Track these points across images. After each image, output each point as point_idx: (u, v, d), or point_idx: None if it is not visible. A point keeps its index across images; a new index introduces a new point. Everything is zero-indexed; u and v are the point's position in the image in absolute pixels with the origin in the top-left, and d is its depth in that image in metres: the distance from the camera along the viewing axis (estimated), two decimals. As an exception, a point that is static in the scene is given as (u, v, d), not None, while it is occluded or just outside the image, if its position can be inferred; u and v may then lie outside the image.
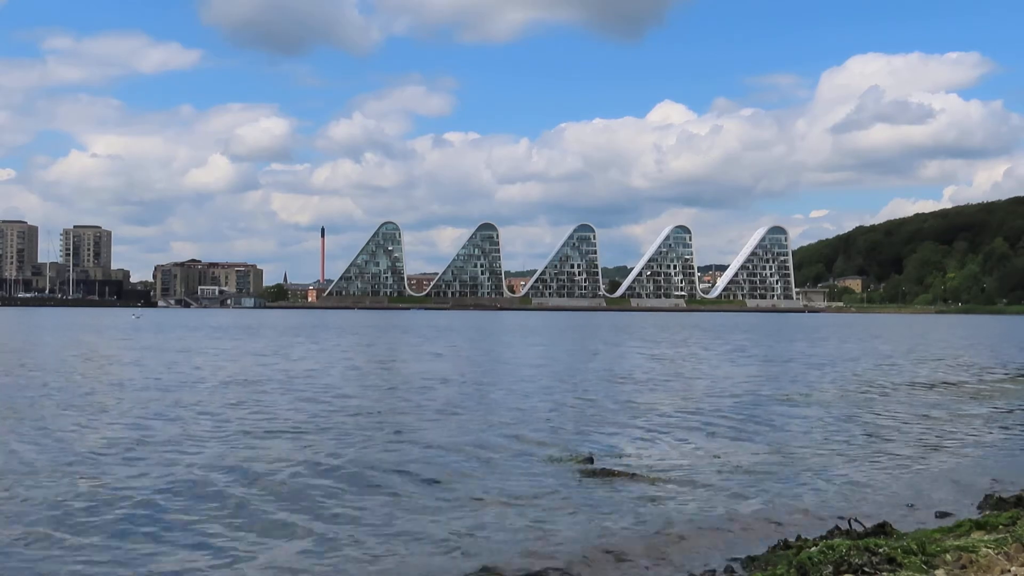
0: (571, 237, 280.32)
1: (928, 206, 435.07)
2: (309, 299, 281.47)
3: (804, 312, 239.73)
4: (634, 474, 11.90)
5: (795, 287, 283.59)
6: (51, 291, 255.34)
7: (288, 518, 9.50)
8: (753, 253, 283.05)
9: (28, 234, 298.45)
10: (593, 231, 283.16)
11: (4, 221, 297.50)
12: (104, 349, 41.44)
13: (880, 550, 7.11)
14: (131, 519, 9.28)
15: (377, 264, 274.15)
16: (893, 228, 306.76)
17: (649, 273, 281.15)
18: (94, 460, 12.43)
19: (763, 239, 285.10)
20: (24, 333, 59.92)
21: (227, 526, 9.14)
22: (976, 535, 8.01)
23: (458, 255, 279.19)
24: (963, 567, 6.89)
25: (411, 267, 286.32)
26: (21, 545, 8.37)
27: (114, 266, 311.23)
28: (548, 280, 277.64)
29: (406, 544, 8.71)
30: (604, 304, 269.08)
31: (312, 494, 10.56)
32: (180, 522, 9.24)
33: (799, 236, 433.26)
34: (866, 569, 6.82)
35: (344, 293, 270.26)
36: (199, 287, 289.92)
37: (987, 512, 9.79)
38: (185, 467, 11.89)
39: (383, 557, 8.34)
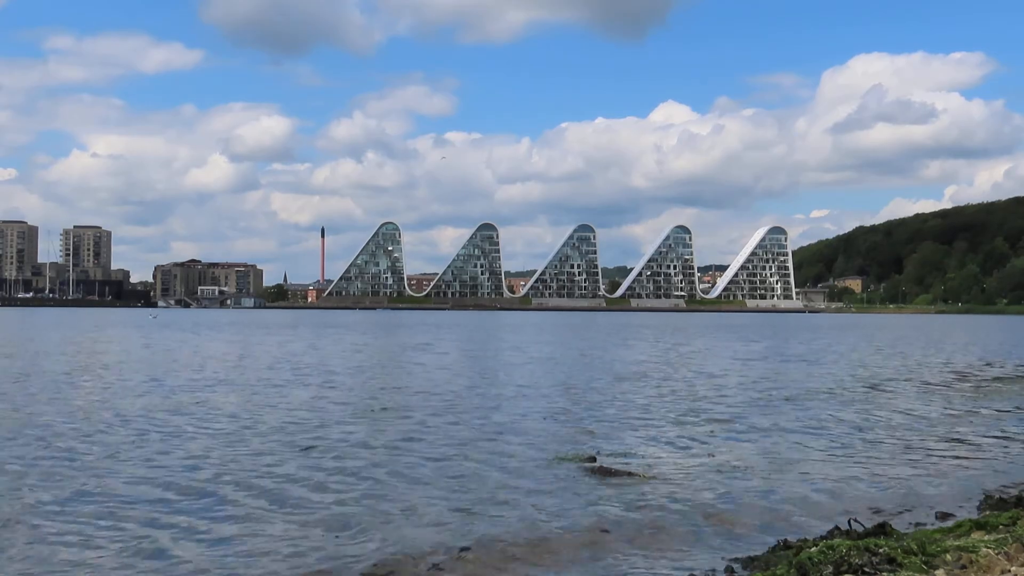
0: (571, 237, 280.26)
1: (929, 206, 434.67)
2: (309, 299, 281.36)
3: (804, 312, 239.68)
4: (634, 473, 11.92)
5: (795, 287, 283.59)
6: (51, 291, 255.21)
7: (293, 495, 9.61)
8: (753, 253, 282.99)
9: (28, 234, 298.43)
10: (593, 231, 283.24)
11: (4, 221, 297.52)
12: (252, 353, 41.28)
13: (880, 550, 7.11)
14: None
15: (377, 264, 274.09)
16: (893, 228, 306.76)
17: (649, 273, 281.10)
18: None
19: (763, 239, 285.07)
20: (107, 337, 59.82)
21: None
22: (976, 535, 8.01)
23: (458, 255, 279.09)
24: (963, 567, 6.89)
25: (411, 267, 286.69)
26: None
27: (114, 266, 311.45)
28: (548, 280, 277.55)
29: (401, 530, 8.74)
30: (604, 304, 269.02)
31: (316, 489, 10.64)
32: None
33: (799, 236, 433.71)
34: (866, 569, 6.83)
35: (344, 293, 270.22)
36: (199, 287, 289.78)
37: (987, 512, 9.79)
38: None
39: (380, 540, 8.38)
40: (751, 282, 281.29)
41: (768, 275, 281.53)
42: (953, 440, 15.63)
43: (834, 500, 10.77)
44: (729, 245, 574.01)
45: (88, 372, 27.88)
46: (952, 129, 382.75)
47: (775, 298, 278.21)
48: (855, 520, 8.89)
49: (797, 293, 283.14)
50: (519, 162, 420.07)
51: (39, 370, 28.24)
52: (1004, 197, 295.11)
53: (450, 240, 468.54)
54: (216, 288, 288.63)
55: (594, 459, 12.87)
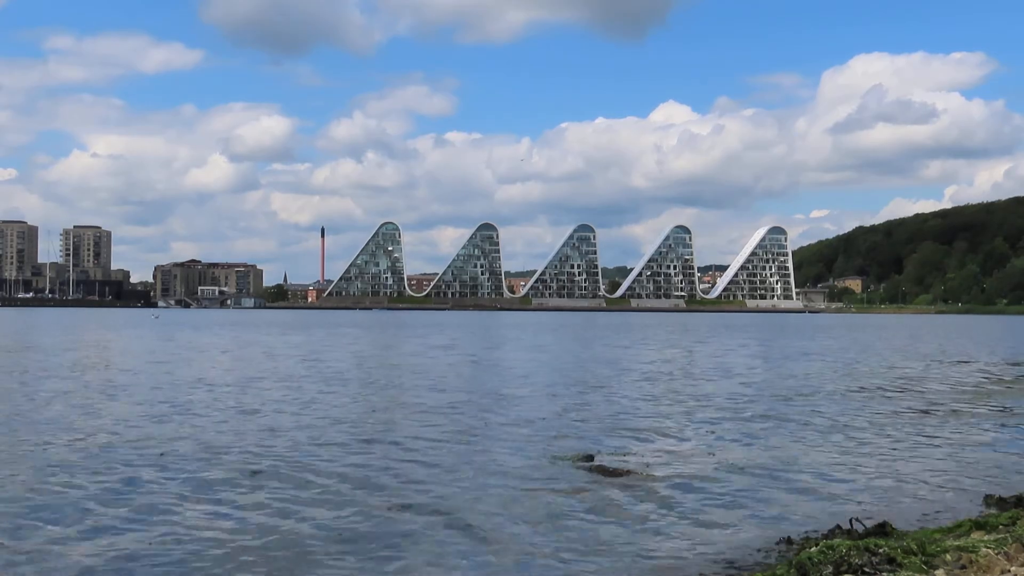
0: (571, 237, 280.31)
1: (929, 206, 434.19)
2: (309, 299, 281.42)
3: (804, 312, 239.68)
4: (632, 472, 11.88)
5: (795, 287, 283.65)
6: (51, 291, 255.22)
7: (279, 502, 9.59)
8: (753, 253, 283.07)
9: (28, 234, 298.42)
10: (593, 231, 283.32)
11: (4, 221, 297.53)
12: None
13: (880, 550, 7.10)
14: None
15: (377, 264, 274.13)
16: (893, 228, 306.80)
17: (649, 273, 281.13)
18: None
19: (763, 239, 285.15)
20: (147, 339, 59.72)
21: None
22: (976, 535, 7.99)
23: (458, 255, 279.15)
24: (963, 567, 6.87)
25: (411, 267, 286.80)
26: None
27: (114, 266, 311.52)
28: (548, 280, 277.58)
29: (392, 537, 8.72)
30: (604, 304, 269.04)
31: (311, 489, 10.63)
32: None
33: (799, 236, 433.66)
34: (866, 569, 6.81)
35: (344, 293, 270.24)
36: (199, 287, 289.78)
37: (987, 512, 9.78)
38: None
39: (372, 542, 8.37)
40: (751, 282, 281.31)
41: (768, 275, 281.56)
42: (953, 440, 15.59)
43: (834, 500, 10.74)
44: (729, 245, 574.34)
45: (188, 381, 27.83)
46: (952, 129, 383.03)
47: (775, 298, 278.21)
48: (855, 520, 8.87)
49: (797, 293, 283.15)
50: (519, 162, 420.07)
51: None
52: (1004, 197, 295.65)
53: (450, 240, 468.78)
54: (216, 288, 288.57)
55: (591, 458, 12.82)
